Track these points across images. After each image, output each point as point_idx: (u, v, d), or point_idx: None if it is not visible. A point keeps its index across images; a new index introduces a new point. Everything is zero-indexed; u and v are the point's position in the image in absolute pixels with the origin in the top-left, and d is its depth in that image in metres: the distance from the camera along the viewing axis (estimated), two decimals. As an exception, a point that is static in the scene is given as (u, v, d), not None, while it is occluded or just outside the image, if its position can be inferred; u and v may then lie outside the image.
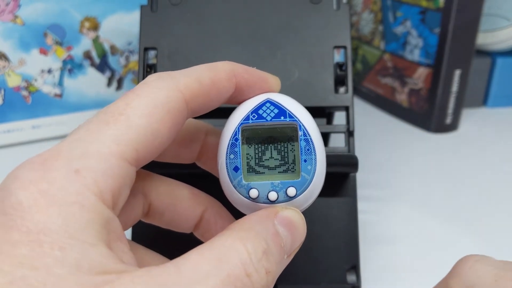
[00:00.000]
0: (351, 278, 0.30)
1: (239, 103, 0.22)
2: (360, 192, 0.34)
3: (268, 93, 0.22)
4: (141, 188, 0.22)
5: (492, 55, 0.58)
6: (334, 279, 0.30)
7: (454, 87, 0.52)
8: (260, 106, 0.21)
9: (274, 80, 0.22)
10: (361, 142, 0.47)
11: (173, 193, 0.23)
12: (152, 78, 0.19)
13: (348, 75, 0.32)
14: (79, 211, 0.15)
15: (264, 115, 0.21)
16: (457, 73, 0.51)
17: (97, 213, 0.16)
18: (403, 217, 0.39)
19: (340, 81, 0.32)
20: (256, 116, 0.21)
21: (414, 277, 0.33)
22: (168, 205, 0.23)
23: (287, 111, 0.21)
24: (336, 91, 0.32)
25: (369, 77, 0.60)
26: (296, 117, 0.21)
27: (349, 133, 0.31)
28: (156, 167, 0.24)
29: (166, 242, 0.25)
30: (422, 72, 0.53)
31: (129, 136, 0.17)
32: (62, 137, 0.51)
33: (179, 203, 0.23)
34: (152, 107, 0.18)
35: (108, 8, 0.49)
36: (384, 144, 0.51)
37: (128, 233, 0.30)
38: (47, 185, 0.15)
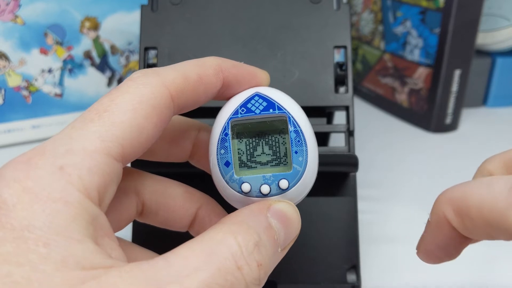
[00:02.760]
0: (351, 277, 0.30)
1: (228, 98, 0.22)
2: (360, 191, 0.34)
3: (256, 87, 0.22)
4: (134, 187, 0.22)
5: (492, 55, 0.58)
6: (334, 279, 0.30)
7: (454, 87, 0.52)
8: (248, 100, 0.21)
9: (263, 75, 0.22)
10: (361, 142, 0.47)
11: (166, 192, 0.23)
12: (137, 74, 0.19)
13: (348, 75, 0.32)
14: (64, 207, 0.15)
15: (253, 108, 0.21)
16: (457, 73, 0.52)
17: (83, 209, 0.15)
18: (403, 216, 0.39)
19: (340, 81, 0.32)
20: (245, 110, 0.21)
21: (414, 277, 0.33)
22: (162, 204, 0.23)
23: (276, 103, 0.21)
24: (336, 91, 0.32)
25: (369, 77, 0.60)
26: (285, 109, 0.21)
27: (349, 133, 0.31)
28: (150, 167, 0.24)
29: (165, 242, 0.25)
30: (422, 72, 0.53)
31: (113, 132, 0.17)
32: (62, 137, 0.51)
33: (172, 201, 0.23)
34: (136, 102, 0.18)
35: (108, 8, 0.49)
36: (384, 144, 0.51)
37: (129, 234, 0.30)
38: (32, 183, 0.15)
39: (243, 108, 0.21)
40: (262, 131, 0.21)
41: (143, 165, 0.21)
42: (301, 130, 0.21)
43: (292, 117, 0.21)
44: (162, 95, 0.18)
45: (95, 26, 0.49)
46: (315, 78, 0.32)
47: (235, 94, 0.22)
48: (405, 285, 0.32)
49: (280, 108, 0.21)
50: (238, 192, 0.20)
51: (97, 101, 0.18)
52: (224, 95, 0.22)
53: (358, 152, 0.32)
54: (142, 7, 0.33)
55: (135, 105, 0.18)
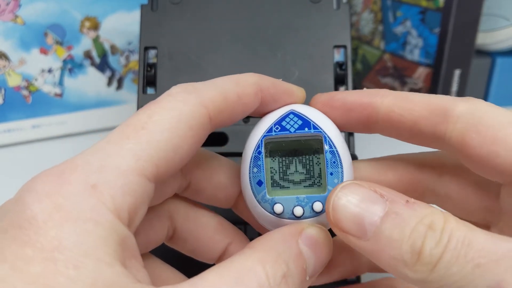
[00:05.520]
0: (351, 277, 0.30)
1: (262, 115, 0.21)
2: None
3: (292, 104, 0.21)
4: (168, 211, 0.21)
5: (492, 55, 0.58)
6: (334, 278, 0.30)
7: (454, 87, 0.52)
8: (283, 118, 0.20)
9: (299, 93, 0.21)
10: (361, 141, 0.47)
11: (198, 220, 0.22)
12: (177, 90, 0.18)
13: (348, 74, 0.32)
14: (95, 228, 0.15)
15: (288, 126, 0.20)
16: (457, 73, 0.52)
17: (113, 230, 0.15)
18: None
19: (340, 81, 0.32)
20: (280, 128, 0.20)
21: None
22: (192, 232, 0.22)
23: (311, 122, 0.20)
24: (336, 90, 0.32)
25: (369, 77, 0.60)
26: (321, 128, 0.20)
27: (349, 133, 0.31)
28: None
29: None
30: (422, 72, 0.53)
31: (149, 151, 0.16)
32: (62, 136, 0.51)
33: (203, 231, 0.22)
34: (174, 122, 0.17)
35: (108, 7, 0.49)
36: (384, 144, 0.51)
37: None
38: (63, 199, 0.15)
39: (277, 126, 0.20)
40: (297, 150, 0.20)
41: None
42: (337, 151, 0.20)
43: (328, 137, 0.20)
44: (200, 115, 0.18)
45: (95, 26, 0.49)
46: (315, 77, 0.32)
47: (269, 111, 0.21)
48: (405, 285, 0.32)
49: (315, 127, 0.20)
50: (270, 212, 0.20)
51: (135, 115, 0.17)
52: (259, 112, 0.21)
53: (358, 152, 0.32)
54: (142, 6, 0.33)
55: (172, 124, 0.17)
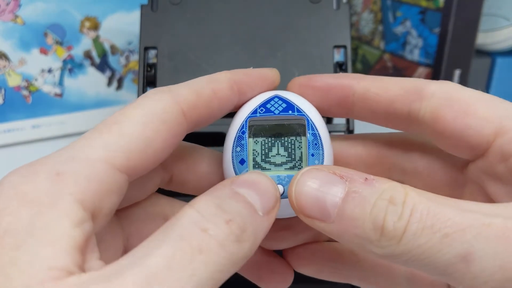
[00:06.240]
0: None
1: (242, 106, 0.22)
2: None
3: (276, 90, 0.22)
4: (163, 213, 0.22)
5: (492, 55, 0.58)
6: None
7: (454, 87, 0.52)
8: (268, 101, 0.21)
9: (272, 73, 0.22)
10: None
11: None
12: (151, 91, 0.19)
13: (348, 75, 0.32)
14: (49, 209, 0.15)
15: (272, 109, 0.21)
16: (457, 73, 0.52)
17: (69, 213, 0.15)
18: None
19: (340, 81, 0.32)
20: (264, 110, 0.21)
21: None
22: None
23: (295, 106, 0.21)
24: (336, 90, 0.32)
25: (369, 77, 0.60)
26: (304, 112, 0.21)
27: (349, 133, 0.31)
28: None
29: None
30: (421, 72, 0.53)
31: (120, 143, 0.17)
32: (62, 136, 0.51)
33: None
34: (147, 116, 0.18)
35: (108, 7, 0.49)
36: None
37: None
38: (27, 188, 0.15)
39: (262, 108, 0.21)
40: (280, 132, 0.21)
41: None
42: (319, 134, 0.21)
43: (311, 120, 0.21)
44: (173, 111, 0.18)
45: (95, 26, 0.49)
46: (315, 77, 0.32)
47: (249, 100, 0.22)
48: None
49: (299, 110, 0.21)
50: None
51: (111, 115, 0.18)
52: (239, 104, 0.21)
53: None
54: (142, 6, 0.33)
55: (145, 119, 0.18)
